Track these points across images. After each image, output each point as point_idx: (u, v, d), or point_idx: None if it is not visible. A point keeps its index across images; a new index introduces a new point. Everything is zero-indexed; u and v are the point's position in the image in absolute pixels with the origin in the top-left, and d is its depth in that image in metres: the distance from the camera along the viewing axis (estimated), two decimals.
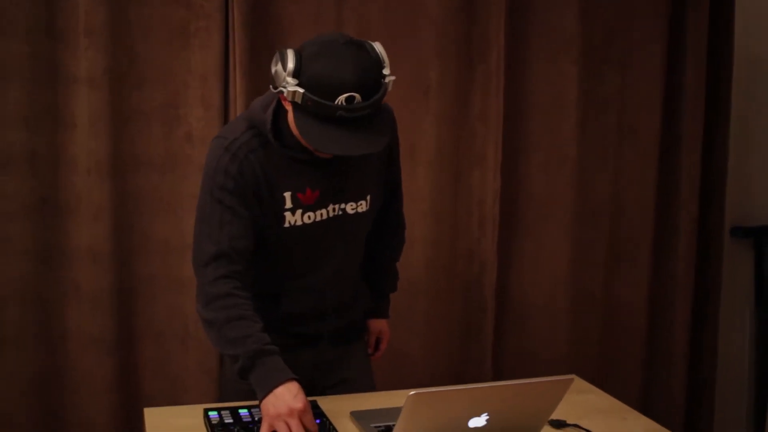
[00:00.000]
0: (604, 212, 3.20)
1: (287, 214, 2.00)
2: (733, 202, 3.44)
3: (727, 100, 3.28)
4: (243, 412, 1.93)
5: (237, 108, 2.70)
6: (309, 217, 2.02)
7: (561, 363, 3.17)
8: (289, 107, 1.88)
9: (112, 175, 2.66)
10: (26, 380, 2.69)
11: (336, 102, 1.77)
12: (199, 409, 1.98)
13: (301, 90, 1.78)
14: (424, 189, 2.97)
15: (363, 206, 2.09)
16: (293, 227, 2.01)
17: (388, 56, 2.87)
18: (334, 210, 2.04)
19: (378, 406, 2.01)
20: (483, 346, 3.07)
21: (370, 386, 2.30)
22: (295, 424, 1.77)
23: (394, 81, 2.89)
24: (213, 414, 1.92)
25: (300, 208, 2.00)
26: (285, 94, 1.82)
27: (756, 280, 3.59)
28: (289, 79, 1.79)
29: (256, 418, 1.90)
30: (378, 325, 2.39)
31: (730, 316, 3.53)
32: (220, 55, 2.70)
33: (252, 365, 1.85)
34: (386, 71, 1.87)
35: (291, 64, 1.80)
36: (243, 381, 1.89)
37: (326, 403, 2.02)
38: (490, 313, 3.05)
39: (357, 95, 1.78)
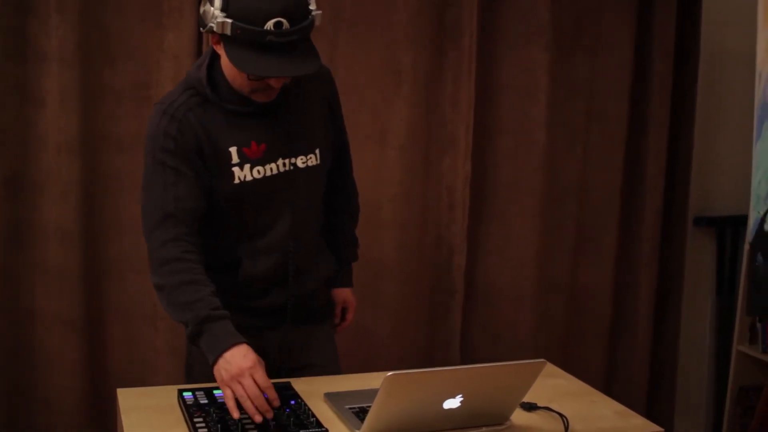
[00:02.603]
0: (572, 198, 3.24)
1: (235, 169, 2.00)
2: (696, 193, 3.50)
3: (692, 90, 3.34)
4: (218, 393, 1.93)
5: None
6: (258, 172, 2.02)
7: (527, 346, 3.21)
8: (221, 50, 1.89)
9: (82, 153, 2.64)
10: None
11: (265, 27, 1.80)
12: (173, 390, 1.97)
13: (230, 20, 1.81)
14: (394, 173, 2.98)
15: (313, 159, 2.09)
16: (244, 183, 2.01)
17: (361, 39, 2.90)
18: (284, 165, 2.04)
19: (352, 388, 2.02)
20: (451, 329, 3.10)
21: (336, 372, 2.26)
22: (248, 383, 1.78)
23: (364, 63, 2.91)
24: (187, 395, 1.92)
25: (248, 162, 2.00)
26: (215, 28, 1.84)
27: (717, 268, 3.66)
28: (217, 13, 1.82)
29: None
30: (342, 294, 2.37)
31: (692, 304, 3.59)
32: (193, 35, 2.68)
33: (201, 330, 1.86)
34: (312, 6, 1.89)
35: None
36: (195, 346, 1.91)
37: (300, 384, 2.02)
38: (458, 297, 3.08)
39: (284, 21, 1.81)
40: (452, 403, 1.74)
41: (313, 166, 2.09)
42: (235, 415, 1.77)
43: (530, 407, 1.97)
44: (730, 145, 3.60)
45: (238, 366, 1.80)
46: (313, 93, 2.11)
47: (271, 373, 2.11)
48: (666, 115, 3.27)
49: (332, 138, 2.18)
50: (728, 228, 3.63)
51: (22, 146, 2.62)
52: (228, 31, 1.82)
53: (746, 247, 3.38)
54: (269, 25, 1.80)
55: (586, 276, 3.30)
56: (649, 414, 3.44)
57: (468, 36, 2.97)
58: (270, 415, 1.79)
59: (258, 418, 1.77)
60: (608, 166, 3.25)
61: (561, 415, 1.94)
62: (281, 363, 2.19)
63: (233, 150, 2.00)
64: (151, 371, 2.77)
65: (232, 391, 1.79)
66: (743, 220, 3.48)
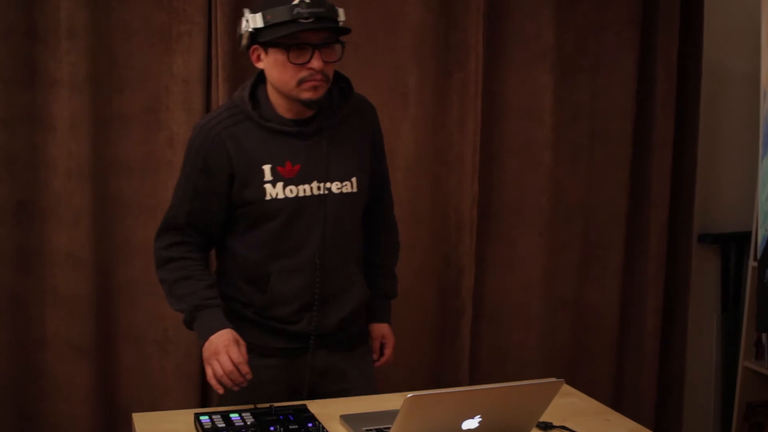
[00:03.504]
0: (578, 217, 3.25)
1: (267, 186, 2.10)
2: (700, 210, 3.52)
3: (695, 108, 3.36)
4: (234, 416, 1.94)
5: None
6: (291, 191, 2.11)
7: (535, 365, 3.21)
8: (262, 62, 2.07)
9: (92, 179, 2.65)
10: (2, 386, 2.66)
11: (291, 3, 1.97)
12: (189, 414, 1.98)
13: (259, 14, 2.00)
14: (402, 194, 2.97)
15: (348, 187, 2.17)
16: (275, 200, 2.10)
17: (368, 62, 2.92)
18: (319, 188, 2.13)
19: (367, 410, 2.03)
20: (460, 349, 3.10)
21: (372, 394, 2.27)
22: (223, 359, 1.99)
23: (371, 86, 2.94)
24: (204, 419, 1.93)
25: (281, 180, 2.10)
26: (249, 27, 2.01)
27: (722, 284, 3.67)
28: (248, 15, 2.02)
29: (248, 422, 1.91)
30: (379, 329, 2.42)
31: (698, 320, 3.60)
32: (202, 60, 2.70)
33: (193, 318, 2.10)
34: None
35: (247, 10, 2.04)
36: (190, 330, 2.14)
37: (316, 407, 2.03)
38: (467, 317, 3.08)
39: None
40: (471, 424, 1.75)
41: (348, 194, 2.17)
42: (220, 391, 2.01)
43: (546, 426, 1.98)
44: (732, 163, 3.62)
45: (216, 346, 2.02)
46: (356, 124, 2.22)
47: (308, 395, 2.19)
48: (670, 134, 3.29)
49: (371, 171, 2.25)
50: (732, 244, 3.65)
51: (32, 172, 2.62)
52: (260, 23, 2.00)
53: (750, 263, 3.40)
54: (294, 1, 1.97)
55: (593, 294, 3.31)
56: (658, 430, 3.44)
57: (473, 58, 2.99)
58: (243, 384, 2.01)
59: (236, 389, 2.01)
60: (613, 185, 3.27)
61: None
62: (317, 386, 2.24)
63: (267, 168, 2.10)
64: (162, 395, 2.76)
65: (213, 369, 2.00)
66: (747, 236, 3.51)
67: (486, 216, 3.14)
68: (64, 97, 2.60)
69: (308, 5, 1.97)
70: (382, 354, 2.42)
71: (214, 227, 2.17)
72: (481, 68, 3.01)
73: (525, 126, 3.14)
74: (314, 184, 2.12)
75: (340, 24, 2.05)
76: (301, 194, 2.11)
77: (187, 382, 2.77)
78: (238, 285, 2.20)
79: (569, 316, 3.29)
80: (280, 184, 2.10)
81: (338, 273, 2.20)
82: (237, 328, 2.12)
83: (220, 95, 2.69)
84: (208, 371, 2.02)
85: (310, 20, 1.97)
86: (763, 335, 3.43)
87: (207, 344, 2.04)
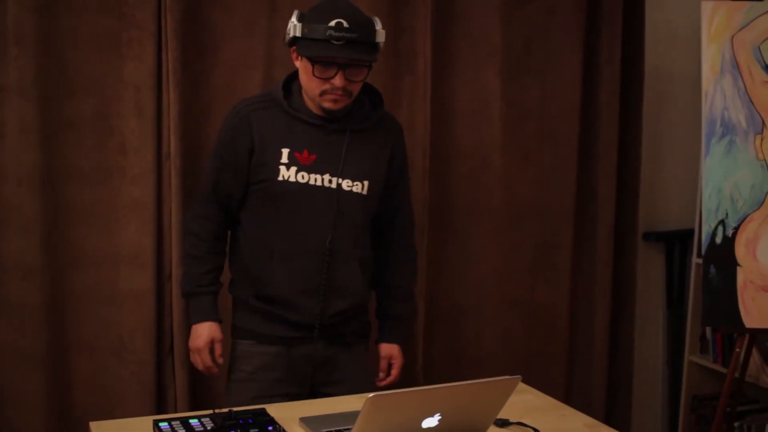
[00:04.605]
0: (528, 217, 3.30)
1: (282, 167, 2.26)
2: (645, 208, 3.59)
3: (639, 109, 3.43)
4: (194, 422, 1.94)
5: (170, 118, 2.69)
6: (303, 177, 2.27)
7: (488, 364, 3.25)
8: (297, 62, 2.24)
9: (43, 186, 2.62)
10: None
11: (327, 25, 2.14)
12: (148, 420, 1.97)
13: (300, 23, 2.17)
14: None
15: (359, 187, 2.31)
16: (286, 182, 2.26)
17: None
18: (330, 182, 2.28)
19: (325, 412, 2.05)
20: (413, 351, 3.12)
21: (368, 390, 2.30)
22: (196, 360, 2.39)
23: None
24: (164, 425, 1.92)
25: (295, 165, 2.26)
26: (291, 33, 2.19)
27: (667, 282, 3.76)
28: (294, 21, 2.19)
29: (208, 428, 1.91)
30: (389, 349, 2.51)
31: (645, 317, 3.68)
32: (153, 65, 2.69)
33: (187, 300, 2.44)
34: (377, 27, 2.23)
35: (297, 13, 2.21)
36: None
37: (275, 410, 2.04)
38: (420, 319, 3.11)
39: (344, 21, 2.15)
40: (431, 422, 1.77)
41: (358, 194, 2.32)
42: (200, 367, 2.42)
43: (503, 423, 2.02)
44: (675, 162, 3.71)
45: (192, 343, 2.38)
46: (379, 137, 2.38)
47: (303, 386, 2.37)
48: (615, 135, 3.35)
49: (389, 186, 2.41)
50: (676, 241, 3.74)
51: None
52: (299, 33, 2.17)
53: (694, 259, 3.49)
54: (331, 23, 2.14)
55: (544, 293, 3.36)
56: (608, 425, 3.50)
57: (422, 61, 3.03)
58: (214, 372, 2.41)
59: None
60: (562, 186, 3.32)
61: (534, 429, 1.99)
62: (312, 377, 2.37)
63: (285, 151, 2.27)
64: (119, 403, 2.74)
65: (192, 359, 2.40)
66: (690, 234, 3.60)
67: (438, 218, 3.17)
68: (12, 104, 2.57)
69: (344, 29, 2.14)
70: (389, 374, 2.51)
71: (233, 201, 2.34)
72: (430, 72, 3.04)
73: (474, 128, 3.18)
74: (326, 177, 2.28)
75: (379, 45, 2.22)
76: (311, 182, 2.26)
77: (144, 389, 2.75)
78: (244, 262, 2.36)
79: (521, 315, 3.33)
80: (293, 168, 2.26)
81: (344, 265, 2.32)
82: (238, 315, 2.38)
83: (171, 101, 2.69)
84: (190, 355, 2.41)
85: (340, 43, 2.14)
86: (708, 330, 3.52)
87: (192, 331, 2.38)
